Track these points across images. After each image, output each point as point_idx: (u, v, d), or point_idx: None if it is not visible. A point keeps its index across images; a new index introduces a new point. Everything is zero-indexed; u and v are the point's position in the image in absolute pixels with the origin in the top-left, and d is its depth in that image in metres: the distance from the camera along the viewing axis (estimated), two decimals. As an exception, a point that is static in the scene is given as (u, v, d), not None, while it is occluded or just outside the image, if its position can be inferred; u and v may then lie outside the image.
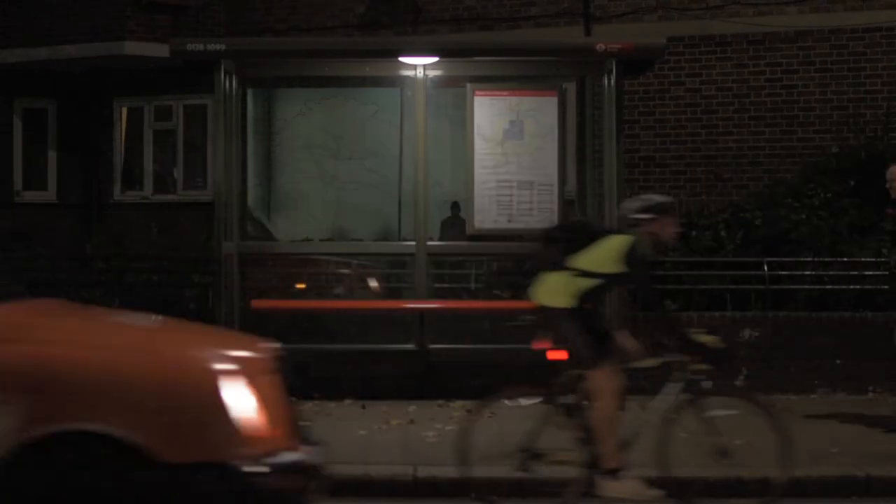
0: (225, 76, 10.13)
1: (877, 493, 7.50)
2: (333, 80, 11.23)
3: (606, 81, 10.23)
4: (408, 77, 10.55)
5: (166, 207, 16.52)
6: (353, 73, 10.95)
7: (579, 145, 11.28)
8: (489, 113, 10.59)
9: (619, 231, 7.14)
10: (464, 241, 10.85)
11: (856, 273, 10.93)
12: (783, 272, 11.03)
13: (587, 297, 7.09)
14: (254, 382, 5.13)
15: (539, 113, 10.61)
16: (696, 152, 14.46)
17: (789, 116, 14.22)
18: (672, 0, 14.61)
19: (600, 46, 9.91)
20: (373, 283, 10.65)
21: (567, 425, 7.29)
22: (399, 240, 11.02)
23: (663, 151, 14.54)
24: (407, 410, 9.58)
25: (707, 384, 7.41)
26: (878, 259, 11.05)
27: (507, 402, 10.07)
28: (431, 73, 10.49)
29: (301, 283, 11.58)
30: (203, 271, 11.14)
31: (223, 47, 9.97)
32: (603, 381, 7.13)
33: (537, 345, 7.42)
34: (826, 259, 11.10)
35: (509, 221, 10.51)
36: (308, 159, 11.25)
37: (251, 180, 11.26)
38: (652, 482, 7.06)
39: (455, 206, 11.35)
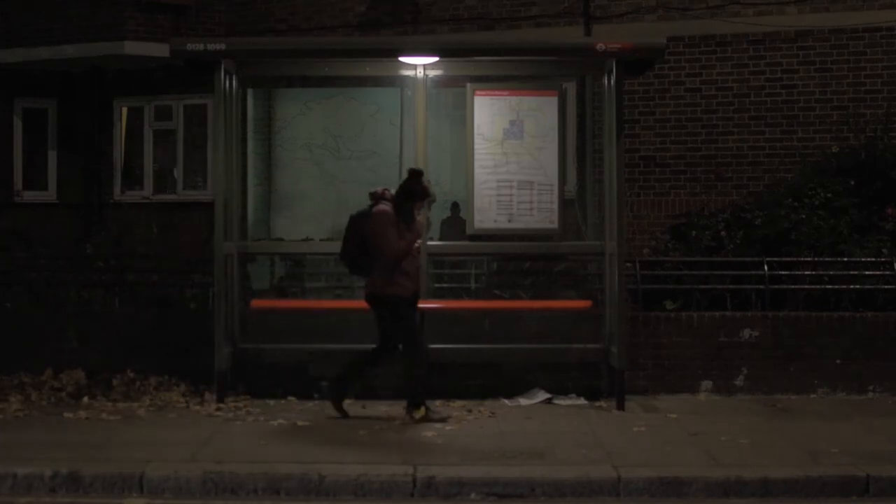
0: (225, 76, 10.12)
1: (877, 493, 7.50)
2: (333, 80, 11.23)
3: (606, 81, 10.23)
4: (408, 77, 10.56)
5: (166, 207, 16.53)
6: (353, 73, 10.94)
7: (579, 145, 11.28)
8: (489, 113, 10.59)
9: None
10: (464, 241, 10.84)
11: (856, 273, 10.93)
12: (783, 272, 11.03)
13: None
14: None
15: (539, 113, 10.61)
16: (696, 152, 14.47)
17: (789, 116, 14.23)
18: (672, 0, 14.62)
19: (600, 46, 9.91)
20: None
21: None
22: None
23: (663, 151, 14.54)
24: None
25: None
26: (878, 259, 11.06)
27: (506, 401, 10.10)
28: (431, 73, 10.49)
29: (302, 282, 11.60)
30: (203, 271, 11.14)
31: (223, 47, 9.96)
32: None
33: None
34: (826, 259, 11.10)
35: (509, 221, 10.51)
36: (308, 159, 11.25)
37: (251, 180, 11.26)
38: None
39: (455, 206, 11.35)
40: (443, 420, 9.16)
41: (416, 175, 9.29)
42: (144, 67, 16.32)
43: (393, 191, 9.28)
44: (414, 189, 9.24)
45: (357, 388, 10.02)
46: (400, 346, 9.30)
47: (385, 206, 9.16)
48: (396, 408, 9.56)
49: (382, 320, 9.31)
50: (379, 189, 9.36)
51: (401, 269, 9.16)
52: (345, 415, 9.33)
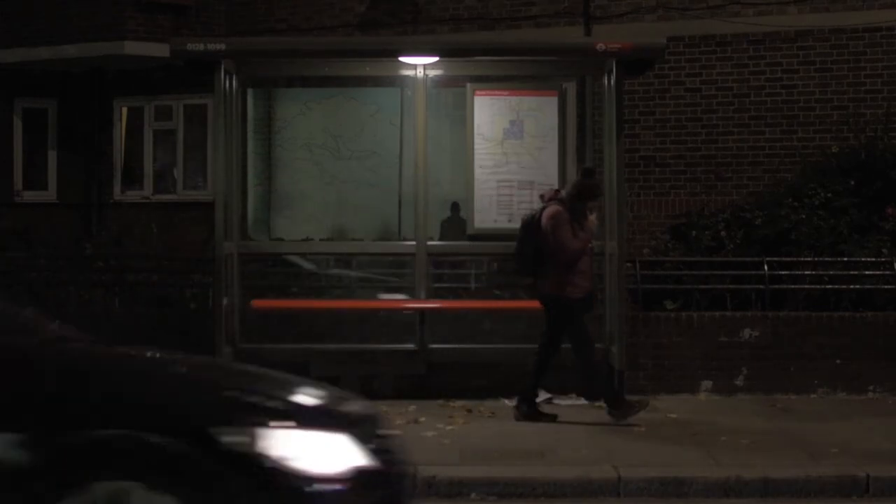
0: (225, 76, 10.12)
1: (877, 493, 7.50)
2: (333, 80, 11.23)
3: (606, 81, 10.23)
4: (408, 77, 10.56)
5: (166, 207, 16.53)
6: (353, 73, 10.95)
7: (579, 145, 11.29)
8: (489, 113, 10.59)
9: None
10: (464, 241, 10.85)
11: (856, 273, 10.93)
12: (783, 272, 11.03)
13: None
14: None
15: (539, 113, 10.61)
16: (696, 152, 14.46)
17: (789, 116, 14.22)
18: (672, 0, 14.61)
19: (600, 46, 9.91)
20: None
21: None
22: (399, 240, 11.02)
23: (663, 151, 14.54)
24: (407, 410, 9.58)
25: None
26: (878, 259, 11.06)
27: (506, 401, 10.10)
28: (431, 73, 10.49)
29: (302, 282, 11.61)
30: (203, 271, 11.14)
31: (223, 47, 9.97)
32: None
33: None
34: (826, 259, 11.10)
35: (509, 221, 10.50)
36: (308, 159, 11.25)
37: (251, 180, 11.26)
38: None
39: (455, 206, 11.35)
40: (644, 407, 9.22)
41: (589, 174, 9.34)
42: (144, 67, 16.31)
43: (563, 191, 9.35)
44: (589, 188, 9.29)
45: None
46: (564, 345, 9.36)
47: (558, 207, 9.15)
48: (396, 408, 9.57)
49: (553, 320, 9.31)
50: (550, 190, 9.43)
51: (576, 269, 9.16)
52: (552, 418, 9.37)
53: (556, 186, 10.52)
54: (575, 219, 9.13)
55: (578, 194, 9.22)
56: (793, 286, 10.94)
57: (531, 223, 9.23)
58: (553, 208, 9.13)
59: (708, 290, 11.01)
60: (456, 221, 11.30)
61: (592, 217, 9.30)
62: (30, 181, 17.39)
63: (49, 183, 17.41)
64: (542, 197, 9.39)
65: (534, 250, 9.17)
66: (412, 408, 9.67)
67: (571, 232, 9.07)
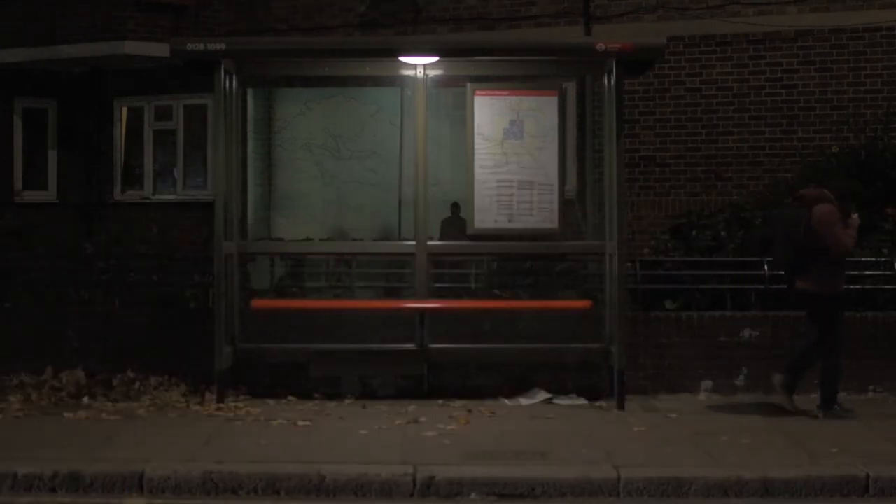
0: (225, 76, 10.12)
1: (877, 493, 7.50)
2: (333, 79, 11.23)
3: (606, 81, 10.23)
4: (408, 77, 10.56)
5: (166, 207, 16.53)
6: (353, 73, 10.94)
7: (579, 145, 11.28)
8: (489, 113, 10.59)
9: None
10: (464, 241, 10.84)
11: (856, 273, 10.92)
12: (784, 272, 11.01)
13: None
14: None
15: (539, 113, 10.60)
16: (696, 152, 14.48)
17: (789, 116, 14.24)
18: (672, 0, 14.62)
19: (600, 46, 9.91)
20: None
21: None
22: (399, 240, 11.02)
23: (663, 151, 14.55)
24: (407, 410, 9.59)
25: None
26: (879, 259, 11.05)
27: (506, 401, 10.11)
28: (431, 73, 10.49)
29: (302, 282, 11.59)
30: (203, 271, 11.13)
31: (223, 47, 9.97)
32: None
33: None
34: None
35: (509, 221, 10.51)
36: (308, 159, 11.26)
37: (251, 180, 11.27)
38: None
39: (455, 206, 11.36)
40: (849, 412, 9.45)
41: (851, 177, 9.56)
42: (144, 67, 16.33)
43: (827, 191, 9.54)
44: (855, 190, 9.71)
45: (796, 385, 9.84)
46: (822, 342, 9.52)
47: (829, 206, 9.37)
48: (396, 408, 9.56)
49: (817, 318, 9.50)
50: (812, 190, 9.64)
51: (841, 267, 9.49)
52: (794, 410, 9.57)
53: (555, 186, 10.54)
54: (842, 218, 9.39)
55: (846, 195, 9.53)
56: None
57: (794, 222, 9.46)
58: (826, 207, 9.35)
59: (708, 290, 11.00)
60: (456, 221, 11.30)
61: (855, 216, 9.56)
62: (30, 181, 17.40)
63: (49, 183, 17.41)
64: (802, 197, 9.60)
65: (794, 249, 9.41)
66: (412, 408, 9.68)
67: (844, 230, 9.37)
